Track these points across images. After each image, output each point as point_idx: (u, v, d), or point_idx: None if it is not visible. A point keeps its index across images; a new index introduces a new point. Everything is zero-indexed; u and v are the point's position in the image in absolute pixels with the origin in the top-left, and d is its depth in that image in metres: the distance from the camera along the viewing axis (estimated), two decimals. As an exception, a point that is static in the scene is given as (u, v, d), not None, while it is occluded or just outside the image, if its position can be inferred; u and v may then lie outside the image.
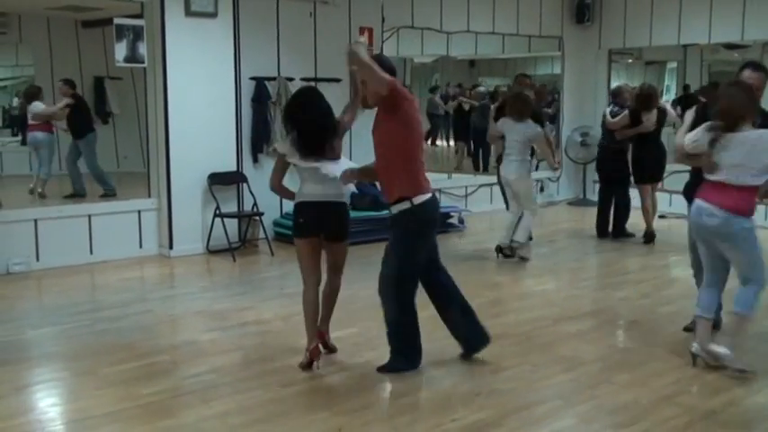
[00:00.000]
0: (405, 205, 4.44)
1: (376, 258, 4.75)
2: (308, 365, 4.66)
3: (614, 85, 9.53)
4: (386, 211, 4.91)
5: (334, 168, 4.58)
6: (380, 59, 4.49)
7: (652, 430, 3.94)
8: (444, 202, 10.10)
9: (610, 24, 11.31)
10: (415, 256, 4.56)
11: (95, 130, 10.41)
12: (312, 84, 7.98)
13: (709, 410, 4.18)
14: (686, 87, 13.09)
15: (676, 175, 11.36)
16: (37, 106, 10.10)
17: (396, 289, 4.60)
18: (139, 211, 7.91)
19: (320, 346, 4.78)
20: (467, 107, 12.79)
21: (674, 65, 13.84)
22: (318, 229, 4.66)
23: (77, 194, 9.97)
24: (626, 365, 4.89)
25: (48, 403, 4.40)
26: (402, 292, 4.59)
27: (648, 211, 8.78)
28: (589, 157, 10.69)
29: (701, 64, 12.94)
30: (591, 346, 5.24)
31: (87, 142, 10.10)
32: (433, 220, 4.64)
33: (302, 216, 4.67)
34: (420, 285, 4.71)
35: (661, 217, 10.18)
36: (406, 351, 4.70)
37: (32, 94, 10.30)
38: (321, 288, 4.82)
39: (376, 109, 4.51)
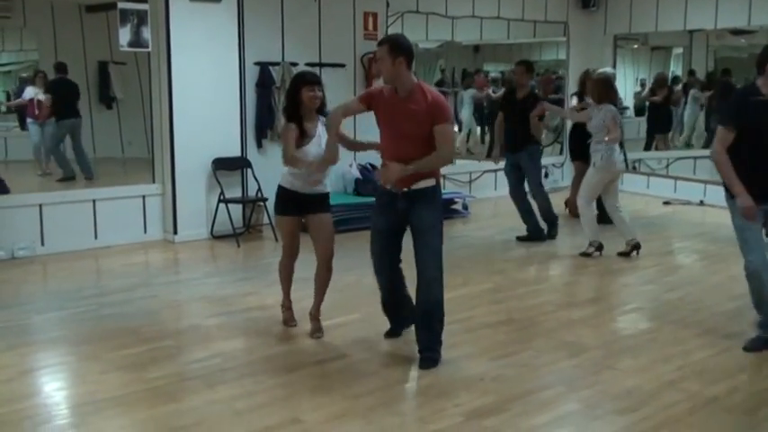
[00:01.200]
0: (432, 182, 4.54)
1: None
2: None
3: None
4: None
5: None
6: (398, 41, 4.51)
7: (655, 416, 3.94)
8: (449, 188, 10.11)
9: (615, 9, 11.24)
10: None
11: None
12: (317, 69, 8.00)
13: (712, 396, 4.18)
14: (692, 72, 13.07)
15: (681, 162, 11.43)
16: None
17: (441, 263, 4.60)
18: (144, 197, 7.92)
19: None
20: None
21: (679, 50, 13.78)
22: None
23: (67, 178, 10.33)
24: (629, 351, 4.90)
25: (53, 387, 4.42)
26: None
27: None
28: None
29: (706, 50, 12.90)
30: (594, 332, 5.24)
31: None
32: None
33: None
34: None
35: (665, 203, 10.19)
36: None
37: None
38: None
39: (384, 100, 4.55)
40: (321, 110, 4.98)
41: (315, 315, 5.15)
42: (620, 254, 7.32)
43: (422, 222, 4.53)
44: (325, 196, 5.08)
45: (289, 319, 5.29)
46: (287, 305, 5.32)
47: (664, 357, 4.75)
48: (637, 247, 7.32)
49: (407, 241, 4.64)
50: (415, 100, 4.45)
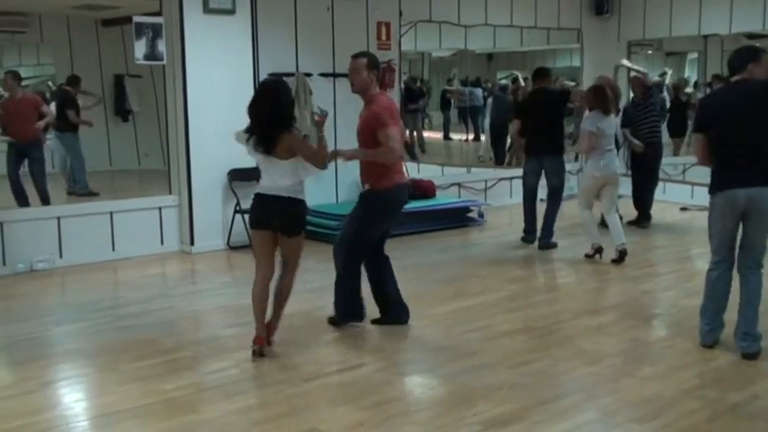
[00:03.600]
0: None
1: (398, 253, 4.74)
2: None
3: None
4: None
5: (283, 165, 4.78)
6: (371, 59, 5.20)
7: (675, 424, 3.91)
8: (464, 195, 10.11)
9: (629, 15, 11.22)
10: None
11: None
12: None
13: (732, 404, 4.15)
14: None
15: (698, 167, 11.34)
16: None
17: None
18: (160, 208, 7.96)
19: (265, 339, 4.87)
20: None
21: (694, 55, 13.71)
22: (267, 222, 4.81)
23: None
24: (648, 359, 4.87)
25: (72, 399, 4.45)
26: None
27: None
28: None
29: (721, 54, 12.81)
30: (613, 340, 5.21)
31: None
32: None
33: (252, 208, 4.98)
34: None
35: (683, 209, 10.13)
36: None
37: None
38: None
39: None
40: None
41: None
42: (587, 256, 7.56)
43: None
44: None
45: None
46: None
47: (683, 364, 4.72)
48: (599, 250, 7.50)
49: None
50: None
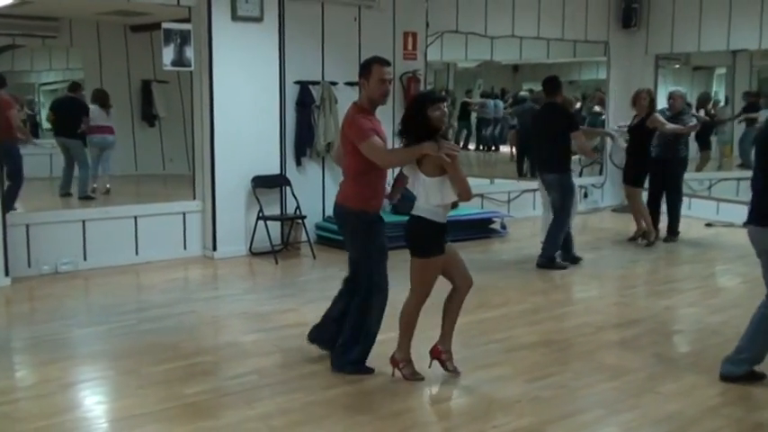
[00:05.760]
0: None
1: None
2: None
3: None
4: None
5: None
6: None
7: (698, 442, 3.87)
8: (487, 206, 10.08)
9: (657, 29, 11.15)
10: None
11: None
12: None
13: (756, 423, 4.09)
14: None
15: (724, 183, 11.26)
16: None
17: None
18: (184, 213, 8.01)
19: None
20: None
21: (722, 71, 13.61)
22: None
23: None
24: (671, 375, 4.81)
25: (93, 401, 4.48)
26: None
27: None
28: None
29: (750, 70, 12.71)
30: (635, 355, 5.16)
31: None
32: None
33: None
34: None
35: (708, 225, 10.03)
36: None
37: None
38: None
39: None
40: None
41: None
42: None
43: None
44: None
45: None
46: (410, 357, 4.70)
47: (706, 382, 4.65)
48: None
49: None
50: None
